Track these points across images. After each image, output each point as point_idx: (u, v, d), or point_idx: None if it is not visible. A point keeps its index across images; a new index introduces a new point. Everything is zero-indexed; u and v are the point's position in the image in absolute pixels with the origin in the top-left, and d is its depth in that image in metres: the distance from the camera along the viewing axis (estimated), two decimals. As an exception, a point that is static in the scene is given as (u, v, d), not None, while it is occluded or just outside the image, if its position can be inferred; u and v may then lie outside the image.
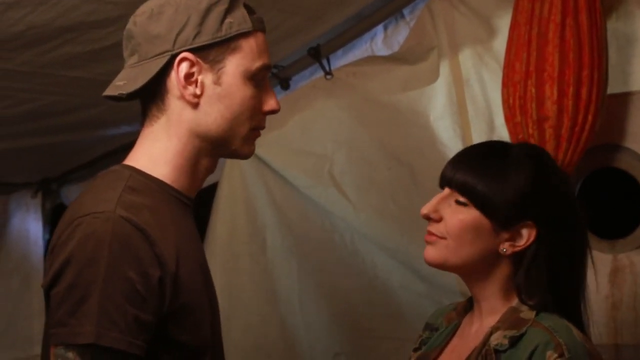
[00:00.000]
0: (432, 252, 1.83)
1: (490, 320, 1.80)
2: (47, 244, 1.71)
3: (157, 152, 1.72)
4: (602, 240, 2.87)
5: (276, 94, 1.81)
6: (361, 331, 3.30)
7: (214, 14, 1.67)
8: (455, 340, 1.91)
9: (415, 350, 2.00)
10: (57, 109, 3.24)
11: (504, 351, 1.71)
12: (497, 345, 1.72)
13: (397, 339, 3.08)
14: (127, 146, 1.78)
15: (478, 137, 2.98)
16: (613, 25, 2.78)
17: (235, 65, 1.70)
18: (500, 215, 1.77)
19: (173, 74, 1.68)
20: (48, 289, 1.59)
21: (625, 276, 2.80)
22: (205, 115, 1.70)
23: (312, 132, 3.29)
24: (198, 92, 1.69)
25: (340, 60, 3.37)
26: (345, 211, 3.24)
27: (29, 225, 4.51)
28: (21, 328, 4.31)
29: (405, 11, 3.26)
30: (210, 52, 1.68)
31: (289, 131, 3.29)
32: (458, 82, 3.08)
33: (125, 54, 1.74)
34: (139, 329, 1.54)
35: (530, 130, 2.66)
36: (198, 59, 1.67)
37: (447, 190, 1.83)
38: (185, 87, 1.68)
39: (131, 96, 1.70)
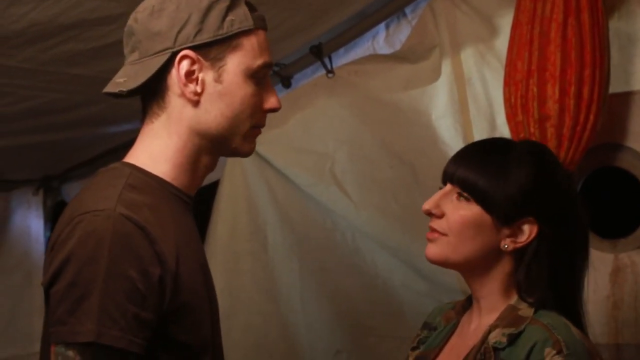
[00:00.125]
0: (433, 250, 1.83)
1: (489, 319, 1.80)
2: (48, 241, 1.71)
3: (157, 150, 1.72)
4: (603, 240, 2.87)
5: (277, 92, 1.81)
6: (362, 329, 3.30)
7: (216, 12, 1.67)
8: (454, 339, 1.92)
9: (414, 349, 2.00)
10: (58, 106, 3.24)
11: (503, 349, 1.72)
12: (495, 343, 1.73)
13: (398, 338, 3.08)
14: (128, 144, 1.78)
15: (479, 136, 2.98)
16: (615, 25, 2.78)
17: (236, 63, 1.70)
18: (502, 211, 1.78)
19: (174, 72, 1.68)
20: (48, 287, 1.58)
21: (626, 276, 2.80)
22: (205, 113, 1.70)
23: (313, 131, 3.29)
24: (199, 90, 1.68)
25: (342, 59, 3.37)
26: (347, 210, 3.24)
27: (31, 223, 4.52)
28: (22, 325, 4.31)
29: (407, 10, 3.26)
30: (211, 49, 1.68)
31: (291, 129, 3.29)
32: (460, 81, 3.08)
33: (126, 50, 1.74)
34: (139, 327, 1.54)
35: (532, 129, 2.66)
36: (199, 57, 1.67)
37: (449, 186, 1.84)
38: (186, 85, 1.68)
39: (131, 93, 1.70)
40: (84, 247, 1.54)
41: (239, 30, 1.69)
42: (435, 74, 3.13)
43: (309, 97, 3.33)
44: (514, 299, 1.81)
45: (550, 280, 1.78)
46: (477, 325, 1.85)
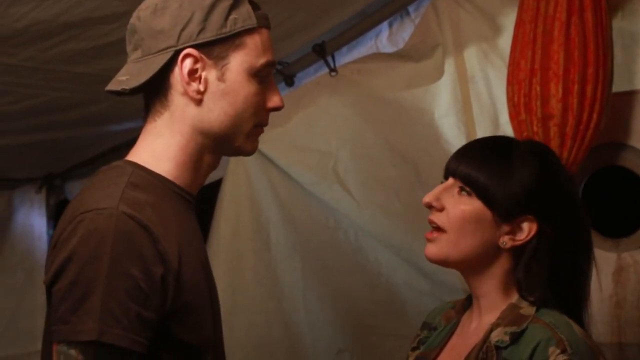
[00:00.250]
0: (433, 249, 1.83)
1: (490, 317, 1.80)
2: (51, 239, 1.71)
3: (159, 148, 1.71)
4: (606, 239, 2.86)
5: (280, 91, 1.81)
6: (365, 328, 3.30)
7: (219, 10, 1.67)
8: (454, 339, 1.91)
9: (414, 349, 2.00)
10: (61, 104, 3.24)
11: (505, 348, 1.71)
12: (498, 341, 1.72)
13: (401, 336, 3.07)
14: (131, 142, 1.78)
15: (482, 134, 2.98)
16: (618, 24, 2.78)
17: (239, 62, 1.69)
18: (502, 207, 1.78)
19: (177, 70, 1.67)
20: (50, 286, 1.58)
21: (629, 275, 2.80)
22: (208, 111, 1.69)
23: (316, 129, 3.29)
24: (202, 88, 1.68)
25: (345, 57, 3.37)
26: (350, 208, 3.23)
27: (33, 221, 4.52)
28: (25, 323, 4.31)
29: (410, 8, 3.26)
30: (214, 48, 1.68)
31: (294, 128, 3.28)
32: (463, 80, 3.08)
33: (129, 48, 1.74)
34: (141, 326, 1.53)
35: (535, 128, 2.65)
36: (202, 55, 1.67)
37: (450, 180, 1.84)
38: (188, 84, 1.67)
39: (134, 91, 1.70)
40: (86, 245, 1.53)
41: (242, 28, 1.68)
42: (438, 73, 3.13)
43: (312, 96, 3.32)
44: (514, 297, 1.80)
45: (551, 280, 1.78)
46: (477, 324, 1.85)
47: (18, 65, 2.74)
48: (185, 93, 1.69)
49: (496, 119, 3.02)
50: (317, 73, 3.43)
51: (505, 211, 1.78)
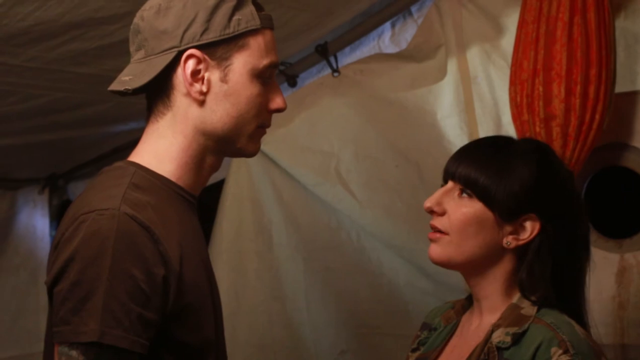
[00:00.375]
0: (436, 250, 1.83)
1: (491, 318, 1.80)
2: (53, 240, 1.72)
3: (162, 149, 1.71)
4: (609, 240, 2.86)
5: (283, 91, 1.80)
6: (367, 328, 3.30)
7: (222, 11, 1.67)
8: (454, 340, 1.91)
9: (414, 350, 2.00)
10: (64, 105, 3.24)
11: (507, 348, 1.71)
12: (499, 342, 1.72)
13: (403, 337, 3.05)
14: (134, 143, 1.78)
15: (485, 135, 2.97)
16: (621, 24, 2.77)
17: (242, 63, 1.69)
18: (504, 208, 1.78)
19: (180, 71, 1.68)
20: (51, 286, 1.58)
21: (632, 276, 2.80)
22: (211, 112, 1.69)
23: (319, 130, 3.29)
24: (204, 89, 1.68)
25: (348, 58, 3.37)
26: (352, 209, 3.23)
27: (36, 221, 4.52)
28: (27, 324, 4.32)
29: (413, 9, 3.25)
30: (217, 49, 1.68)
31: (296, 128, 3.29)
32: (465, 80, 3.08)
33: (132, 48, 1.74)
34: (142, 327, 1.53)
35: (538, 129, 2.65)
36: (205, 56, 1.67)
37: (450, 184, 1.84)
38: (191, 84, 1.68)
39: (137, 91, 1.70)
40: (88, 246, 1.53)
41: (246, 29, 1.68)
42: (441, 73, 3.13)
43: (315, 96, 3.33)
44: (515, 297, 1.80)
45: (553, 278, 1.78)
46: (478, 325, 1.85)
47: (21, 65, 2.74)
48: (188, 94, 1.69)
49: (499, 119, 3.02)
50: (320, 73, 3.43)
51: (507, 211, 1.78)
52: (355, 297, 3.31)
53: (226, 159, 1.86)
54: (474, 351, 1.77)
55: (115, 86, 1.71)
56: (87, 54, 2.75)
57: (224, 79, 1.69)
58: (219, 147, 1.74)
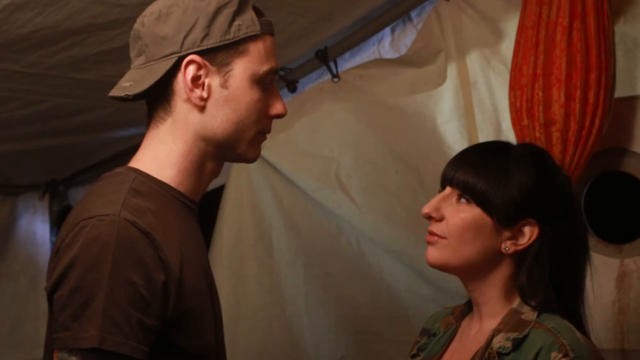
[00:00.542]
0: (433, 253, 1.83)
1: (491, 323, 1.80)
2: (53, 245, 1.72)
3: (162, 155, 1.71)
4: (609, 245, 2.86)
5: (283, 97, 1.80)
6: (367, 334, 3.30)
7: (223, 17, 1.67)
8: (454, 345, 1.91)
9: (413, 356, 1.99)
10: (64, 110, 3.25)
11: (507, 354, 1.71)
12: (500, 348, 1.72)
13: (403, 342, 3.05)
14: (135, 148, 1.77)
15: (485, 140, 2.96)
16: (621, 29, 2.78)
17: (242, 69, 1.69)
18: (502, 213, 1.77)
19: (180, 76, 1.68)
20: (51, 292, 1.58)
21: (632, 281, 2.80)
22: (211, 118, 1.69)
23: (318, 135, 3.29)
24: (205, 95, 1.68)
25: (348, 63, 3.38)
26: (352, 214, 3.24)
27: (36, 227, 4.52)
28: (28, 330, 4.31)
29: (413, 14, 3.26)
30: (217, 54, 1.68)
31: (296, 133, 3.29)
32: (465, 85, 3.08)
33: (132, 54, 1.74)
34: (142, 333, 1.53)
35: (537, 134, 2.65)
36: (205, 62, 1.67)
37: (448, 190, 1.84)
38: (192, 90, 1.68)
39: (137, 97, 1.70)
40: (88, 252, 1.53)
41: (246, 35, 1.68)
42: (441, 78, 3.13)
43: (315, 102, 3.33)
44: (515, 302, 1.80)
45: (553, 282, 1.78)
46: (478, 330, 1.84)
47: (21, 71, 2.74)
48: (188, 99, 1.69)
49: (498, 124, 3.02)
50: (320, 79, 3.43)
51: (505, 216, 1.78)
52: (355, 303, 3.31)
53: (226, 165, 1.86)
54: (474, 356, 1.77)
55: (115, 92, 1.71)
56: (88, 60, 2.75)
57: (224, 85, 1.69)
58: (219, 153, 1.74)
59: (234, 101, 1.69)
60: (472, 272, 1.83)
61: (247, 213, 3.38)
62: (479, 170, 1.80)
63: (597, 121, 2.63)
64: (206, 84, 1.68)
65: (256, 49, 1.70)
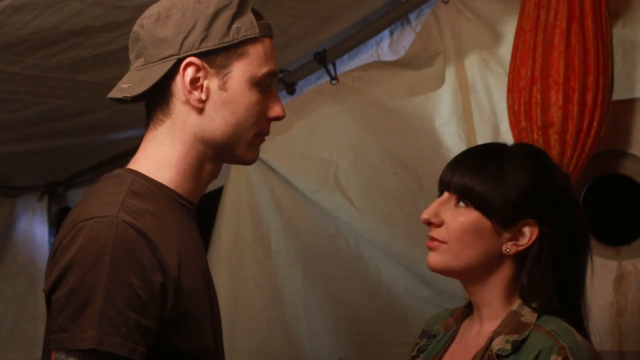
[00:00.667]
0: (435, 258, 1.82)
1: (491, 325, 1.80)
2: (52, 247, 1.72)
3: (161, 157, 1.72)
4: (607, 247, 2.86)
5: (282, 99, 1.81)
6: (365, 336, 3.30)
7: (222, 19, 1.67)
8: (454, 347, 1.91)
9: (413, 358, 1.99)
10: (63, 112, 3.25)
11: (507, 356, 1.71)
12: (499, 350, 1.72)
13: (402, 344, 3.06)
14: (134, 150, 1.78)
15: (483, 142, 2.97)
16: (619, 32, 2.78)
17: (241, 71, 1.69)
18: (501, 215, 1.77)
19: (179, 78, 1.68)
20: (49, 293, 1.58)
21: (630, 283, 2.80)
22: (210, 120, 1.70)
23: (317, 137, 3.29)
24: (203, 97, 1.68)
25: (346, 65, 3.38)
26: (350, 216, 3.24)
27: (35, 229, 4.52)
28: (26, 331, 4.32)
29: (411, 16, 3.26)
30: (216, 57, 1.68)
31: (295, 136, 3.29)
32: (463, 88, 3.08)
33: (131, 56, 1.74)
34: (140, 334, 1.53)
35: (535, 136, 2.66)
36: (204, 64, 1.67)
37: (446, 194, 1.84)
38: (190, 92, 1.68)
39: (136, 99, 1.70)
40: (86, 253, 1.53)
41: (245, 37, 1.69)
42: (439, 81, 3.13)
43: (313, 104, 3.33)
44: (515, 304, 1.80)
45: (554, 283, 1.78)
46: (478, 332, 1.84)
47: (20, 73, 2.75)
48: (187, 101, 1.69)
49: (497, 127, 3.02)
50: (318, 81, 3.43)
51: (504, 217, 1.78)
52: (353, 304, 3.31)
53: (225, 166, 1.86)
54: (473, 358, 1.76)
55: (114, 94, 1.72)
56: (86, 61, 2.75)
57: (223, 87, 1.69)
58: (217, 155, 1.74)
59: (232, 103, 1.69)
60: (473, 275, 1.83)
61: (245, 215, 3.37)
62: (476, 173, 1.80)
63: (595, 124, 2.63)
64: (205, 86, 1.68)
65: (255, 51, 1.70)
